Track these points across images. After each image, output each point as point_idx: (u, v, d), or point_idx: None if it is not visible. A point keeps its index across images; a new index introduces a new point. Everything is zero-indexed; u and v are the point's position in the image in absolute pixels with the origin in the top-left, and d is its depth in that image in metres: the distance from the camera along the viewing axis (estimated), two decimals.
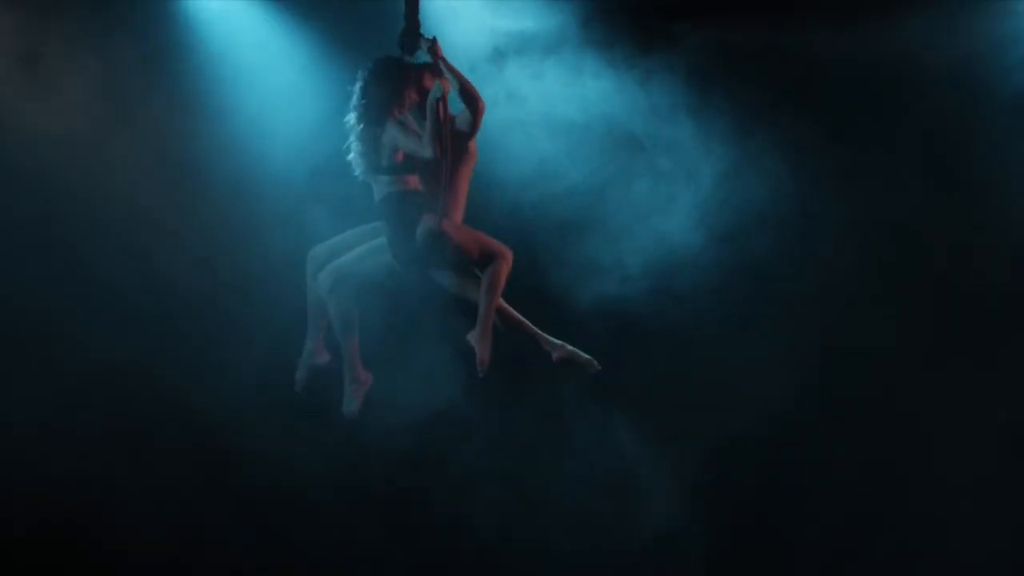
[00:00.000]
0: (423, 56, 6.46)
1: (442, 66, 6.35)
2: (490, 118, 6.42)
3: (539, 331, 6.54)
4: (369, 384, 6.66)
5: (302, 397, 7.54)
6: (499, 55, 7.54)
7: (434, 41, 6.43)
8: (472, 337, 6.40)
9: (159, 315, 7.63)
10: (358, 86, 6.43)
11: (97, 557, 7.49)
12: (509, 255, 6.43)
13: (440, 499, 7.68)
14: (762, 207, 7.74)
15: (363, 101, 6.40)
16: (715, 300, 7.75)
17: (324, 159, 7.02)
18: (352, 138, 6.46)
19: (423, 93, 6.36)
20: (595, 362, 6.50)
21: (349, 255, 6.54)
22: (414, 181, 6.43)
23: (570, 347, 6.51)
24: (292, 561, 7.65)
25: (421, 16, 6.61)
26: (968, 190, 7.71)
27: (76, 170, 7.52)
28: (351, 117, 6.45)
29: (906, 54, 7.70)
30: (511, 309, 6.54)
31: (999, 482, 7.54)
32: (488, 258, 6.40)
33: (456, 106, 6.33)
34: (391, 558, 7.68)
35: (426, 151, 6.25)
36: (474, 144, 6.46)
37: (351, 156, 6.47)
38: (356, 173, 6.49)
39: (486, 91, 6.46)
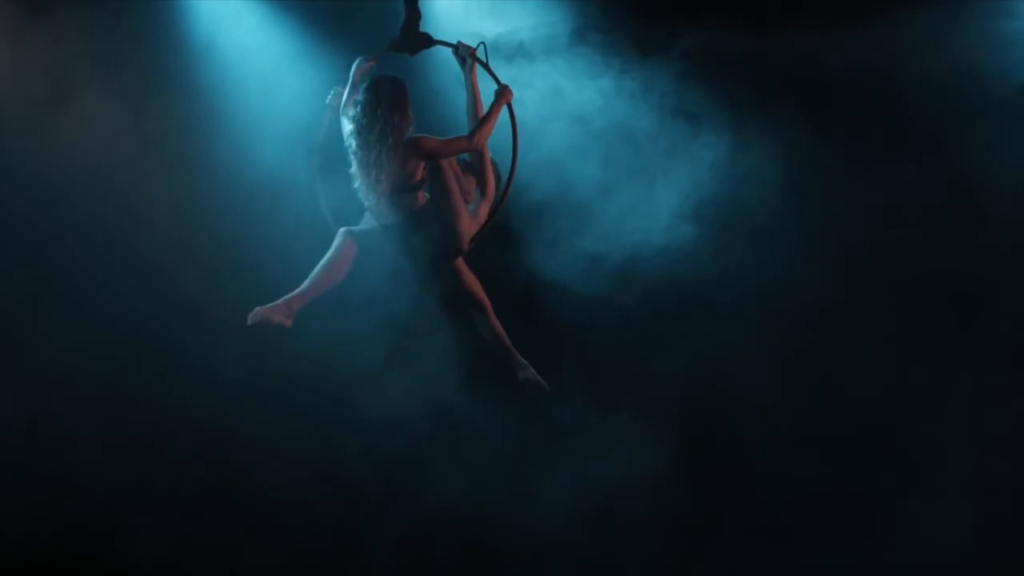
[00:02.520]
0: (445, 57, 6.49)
1: (473, 73, 6.48)
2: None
3: (514, 350, 6.64)
4: (285, 325, 6.36)
5: (302, 397, 7.60)
6: (496, 55, 7.54)
7: (473, 50, 6.49)
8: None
9: (160, 316, 7.64)
10: (359, 111, 6.35)
11: (96, 557, 7.50)
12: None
13: (438, 497, 7.69)
14: (758, 205, 7.75)
15: (377, 123, 6.34)
16: (708, 296, 7.75)
17: (325, 159, 7.01)
18: (358, 167, 6.37)
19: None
20: (547, 387, 6.62)
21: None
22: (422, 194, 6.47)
23: (533, 371, 6.63)
24: (290, 561, 7.66)
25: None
26: (968, 190, 7.70)
27: (75, 171, 7.54)
28: (357, 143, 6.35)
29: (906, 54, 7.69)
30: (498, 323, 6.63)
31: (994, 481, 7.53)
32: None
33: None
34: (390, 558, 7.68)
35: (473, 143, 6.33)
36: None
37: (359, 185, 6.37)
38: (370, 201, 6.39)
39: (482, 91, 6.53)
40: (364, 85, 6.40)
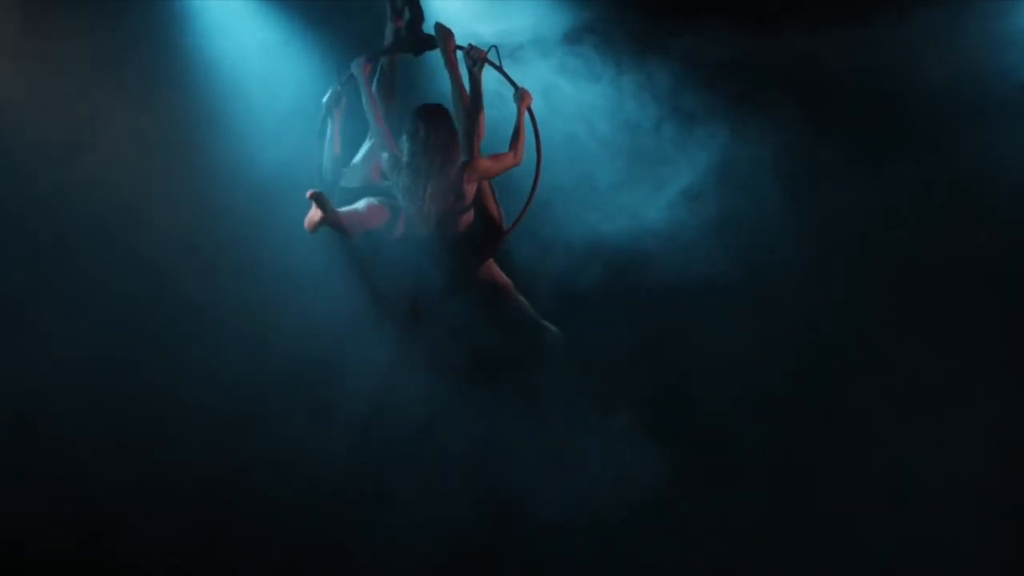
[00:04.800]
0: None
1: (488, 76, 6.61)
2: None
3: (540, 318, 6.98)
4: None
5: (302, 396, 7.60)
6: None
7: (484, 53, 6.52)
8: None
9: (160, 316, 7.64)
10: (413, 144, 6.44)
11: (96, 557, 7.49)
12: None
13: (439, 497, 7.69)
14: (757, 205, 7.76)
15: (437, 155, 6.44)
16: (706, 296, 7.75)
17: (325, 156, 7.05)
18: (408, 199, 6.51)
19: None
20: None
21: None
22: None
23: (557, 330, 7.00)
24: (290, 561, 7.65)
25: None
26: (968, 190, 7.71)
27: (75, 170, 7.54)
28: (411, 177, 6.46)
29: (905, 54, 7.71)
30: (522, 299, 6.95)
31: (995, 480, 7.52)
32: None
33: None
34: (390, 558, 7.68)
35: (518, 159, 6.60)
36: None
37: (413, 211, 6.51)
38: (424, 228, 6.54)
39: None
40: (411, 116, 6.44)
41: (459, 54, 6.63)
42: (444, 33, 6.57)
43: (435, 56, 6.92)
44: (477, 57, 6.55)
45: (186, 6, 7.67)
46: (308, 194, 6.35)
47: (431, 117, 6.45)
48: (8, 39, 7.46)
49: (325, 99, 6.69)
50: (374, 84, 6.77)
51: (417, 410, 7.54)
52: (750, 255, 7.76)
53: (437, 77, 7.33)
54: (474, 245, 6.64)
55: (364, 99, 6.64)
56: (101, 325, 7.56)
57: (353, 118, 6.96)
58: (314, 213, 6.43)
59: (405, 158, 6.47)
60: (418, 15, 6.77)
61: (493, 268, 6.87)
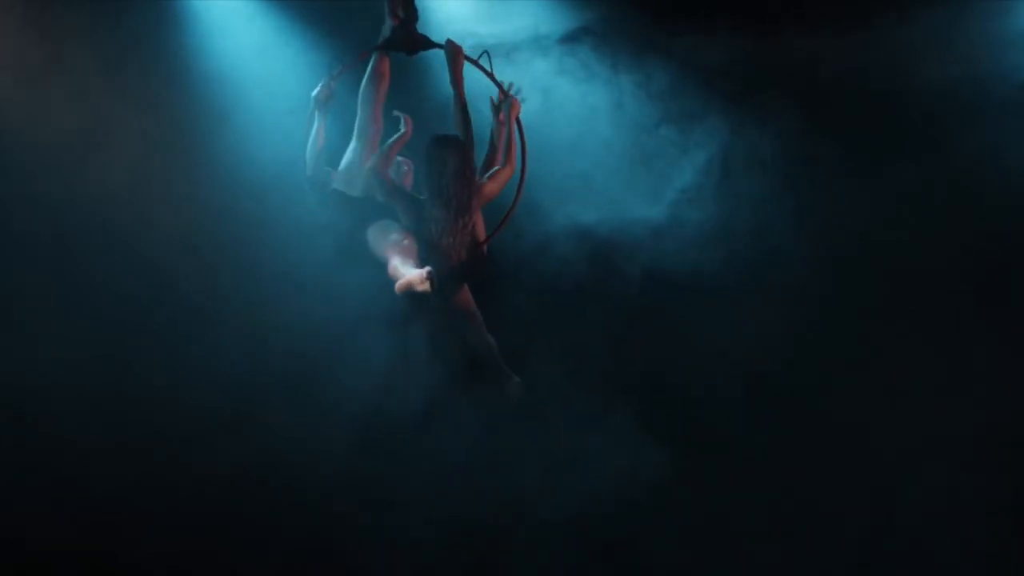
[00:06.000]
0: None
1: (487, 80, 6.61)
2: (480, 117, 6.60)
3: (503, 363, 7.02)
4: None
5: (302, 396, 7.61)
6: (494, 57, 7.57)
7: (479, 57, 6.53)
8: None
9: (160, 316, 7.65)
10: (443, 176, 6.45)
11: (96, 557, 7.49)
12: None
13: (438, 497, 7.69)
14: (755, 206, 7.77)
15: (467, 186, 6.47)
16: (703, 299, 7.77)
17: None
18: (440, 231, 6.53)
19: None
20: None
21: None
22: None
23: (519, 383, 7.08)
24: (290, 561, 7.66)
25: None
26: (968, 190, 7.72)
27: (75, 171, 7.55)
28: (440, 211, 6.48)
29: (906, 54, 7.72)
30: (490, 336, 6.94)
31: (994, 479, 7.53)
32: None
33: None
34: (389, 558, 7.69)
35: (513, 168, 6.57)
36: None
37: (436, 238, 6.53)
38: (447, 258, 6.60)
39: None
40: (433, 147, 6.46)
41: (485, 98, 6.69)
42: (453, 50, 6.55)
43: (430, 59, 6.92)
44: (512, 112, 6.60)
45: (186, 6, 7.69)
46: (426, 271, 6.27)
47: (455, 147, 6.46)
48: (8, 39, 7.48)
49: (314, 92, 6.72)
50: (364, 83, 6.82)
51: (417, 410, 7.55)
52: (749, 255, 7.78)
53: (430, 76, 7.35)
54: (468, 267, 6.66)
55: (361, 94, 6.66)
56: (101, 325, 7.57)
57: (345, 114, 6.99)
58: (419, 282, 6.34)
59: (432, 191, 6.48)
60: (412, 15, 6.76)
61: (468, 295, 6.87)
